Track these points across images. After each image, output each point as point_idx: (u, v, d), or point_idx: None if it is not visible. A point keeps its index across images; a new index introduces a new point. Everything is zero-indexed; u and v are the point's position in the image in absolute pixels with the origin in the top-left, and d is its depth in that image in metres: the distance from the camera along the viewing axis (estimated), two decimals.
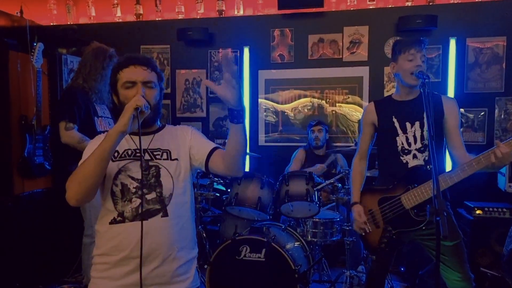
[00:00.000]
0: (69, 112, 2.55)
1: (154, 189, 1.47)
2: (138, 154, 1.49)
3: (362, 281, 2.96)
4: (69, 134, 2.53)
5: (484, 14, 3.57)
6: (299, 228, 2.98)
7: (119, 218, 1.44)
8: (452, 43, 3.61)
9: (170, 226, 1.46)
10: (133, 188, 1.46)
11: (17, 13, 3.52)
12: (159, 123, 1.64)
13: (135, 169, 1.47)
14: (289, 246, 2.70)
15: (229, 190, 2.97)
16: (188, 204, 1.56)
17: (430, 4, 3.66)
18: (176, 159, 1.54)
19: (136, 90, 1.47)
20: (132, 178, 1.47)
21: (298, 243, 2.84)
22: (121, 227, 1.43)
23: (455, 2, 3.64)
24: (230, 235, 2.77)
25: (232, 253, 2.56)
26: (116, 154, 1.50)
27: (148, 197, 1.45)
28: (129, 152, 1.51)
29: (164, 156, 1.53)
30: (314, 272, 3.07)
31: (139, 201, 1.43)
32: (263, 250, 2.53)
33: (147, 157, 1.51)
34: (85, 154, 1.49)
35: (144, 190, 1.45)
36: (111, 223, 1.44)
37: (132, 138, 1.56)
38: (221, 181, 3.26)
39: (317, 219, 2.89)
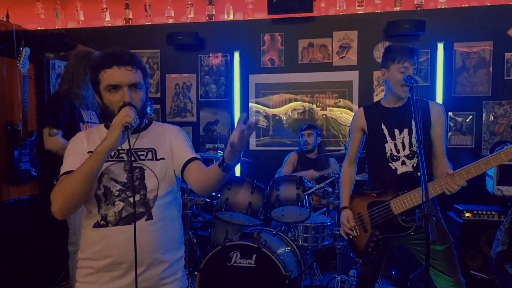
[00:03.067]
0: (53, 118, 2.51)
1: (138, 191, 1.41)
2: (121, 155, 1.43)
3: (353, 285, 2.95)
4: (53, 140, 2.49)
5: (471, 19, 3.62)
6: (290, 233, 2.97)
7: (102, 222, 1.38)
8: (440, 47, 3.65)
9: (155, 229, 1.40)
10: (116, 191, 1.40)
11: (3, 17, 3.48)
12: (144, 121, 1.54)
13: (118, 171, 1.41)
14: (280, 251, 2.69)
15: (219, 195, 2.95)
16: (173, 204, 1.50)
17: (418, 9, 3.70)
18: (162, 158, 1.47)
19: (121, 95, 1.37)
20: (115, 181, 1.40)
21: (289, 248, 2.83)
22: (105, 232, 1.38)
23: (443, 7, 3.69)
24: (221, 241, 2.75)
25: (222, 259, 2.53)
26: None
27: (132, 200, 1.38)
28: (112, 153, 1.41)
29: (149, 156, 1.46)
30: (305, 277, 3.05)
31: (122, 204, 1.39)
32: (254, 256, 2.51)
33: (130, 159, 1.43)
34: (67, 155, 1.43)
35: (127, 193, 1.39)
36: (94, 226, 1.39)
37: None
38: None
39: (308, 224, 2.89)
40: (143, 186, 1.42)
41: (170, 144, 1.52)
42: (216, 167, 1.35)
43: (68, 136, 2.53)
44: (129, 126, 1.28)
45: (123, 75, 1.37)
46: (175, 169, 1.51)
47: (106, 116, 1.46)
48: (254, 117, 3.97)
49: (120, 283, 1.37)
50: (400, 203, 1.97)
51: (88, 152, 1.40)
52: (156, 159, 1.46)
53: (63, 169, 1.39)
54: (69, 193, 1.29)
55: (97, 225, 1.39)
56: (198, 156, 1.54)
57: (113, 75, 1.37)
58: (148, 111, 3.31)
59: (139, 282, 1.35)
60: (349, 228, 2.09)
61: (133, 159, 1.42)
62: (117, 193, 1.39)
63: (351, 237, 2.13)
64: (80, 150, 1.43)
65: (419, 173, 1.96)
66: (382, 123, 2.10)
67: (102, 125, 1.53)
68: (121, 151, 1.44)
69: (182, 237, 1.56)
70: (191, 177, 1.47)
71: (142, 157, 1.45)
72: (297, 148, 3.73)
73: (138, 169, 1.43)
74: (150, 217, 1.40)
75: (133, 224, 1.33)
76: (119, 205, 1.39)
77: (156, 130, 1.55)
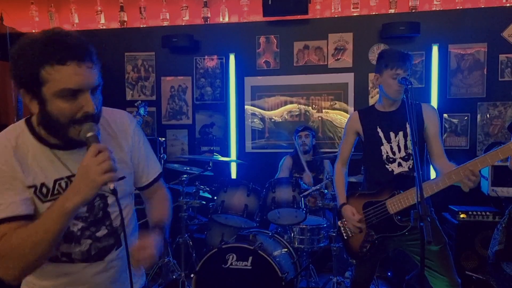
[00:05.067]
0: None
1: (104, 223, 1.19)
2: None
3: (349, 287, 2.95)
4: None
5: (465, 21, 3.64)
6: (286, 235, 2.96)
7: (64, 258, 1.15)
8: (435, 49, 3.67)
9: (124, 255, 1.14)
10: (78, 230, 1.14)
11: None
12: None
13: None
14: (276, 253, 2.68)
15: (215, 197, 2.94)
16: (132, 212, 1.31)
17: (413, 11, 3.72)
18: (123, 177, 1.19)
19: (82, 103, 1.00)
20: (75, 218, 1.11)
21: (285, 250, 2.82)
22: (70, 268, 1.16)
23: (437, 9, 3.71)
24: (217, 243, 2.75)
25: (218, 261, 2.52)
26: (45, 190, 1.08)
27: (99, 234, 1.18)
28: (62, 184, 1.10)
29: None
30: (301, 279, 3.05)
31: (89, 241, 1.16)
32: (250, 258, 2.50)
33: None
34: None
35: (91, 228, 1.16)
36: (53, 261, 1.14)
37: (59, 158, 1.09)
38: (207, 188, 3.23)
39: (304, 226, 2.88)
40: (107, 215, 1.19)
41: (129, 152, 1.25)
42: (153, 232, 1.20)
43: None
44: (115, 189, 1.00)
45: (85, 76, 0.99)
46: (134, 182, 1.31)
47: (47, 126, 1.04)
48: (249, 119, 3.97)
49: None
50: (396, 203, 1.98)
51: (29, 187, 1.05)
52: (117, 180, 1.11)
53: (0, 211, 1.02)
54: (29, 261, 1.00)
55: (56, 260, 1.14)
56: (160, 171, 1.37)
57: (71, 75, 0.98)
58: (142, 112, 3.32)
59: None
60: (357, 220, 2.08)
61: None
62: (79, 232, 1.15)
63: (345, 237, 2.13)
64: (14, 183, 1.04)
65: (415, 173, 1.98)
66: (378, 127, 2.13)
67: (26, 130, 1.09)
68: (72, 179, 1.10)
69: (137, 233, 1.34)
70: (149, 199, 1.38)
71: None
72: (291, 150, 3.73)
73: (99, 198, 1.16)
74: (119, 245, 1.23)
75: (103, 259, 1.19)
76: (85, 243, 1.16)
77: (107, 133, 1.20)
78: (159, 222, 1.28)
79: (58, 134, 1.05)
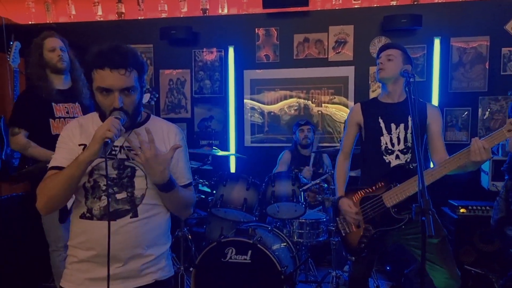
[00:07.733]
0: (16, 116, 2.37)
1: (126, 188, 1.41)
2: (114, 153, 1.42)
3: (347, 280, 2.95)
4: (14, 140, 2.35)
5: (468, 14, 3.61)
6: (285, 229, 2.95)
7: (88, 214, 1.40)
8: (437, 42, 3.64)
9: (139, 227, 1.40)
10: (103, 185, 1.40)
11: None
12: (140, 117, 1.49)
13: (108, 168, 1.38)
14: (275, 247, 2.67)
15: (214, 191, 2.92)
16: (161, 203, 1.48)
17: (415, 3, 3.68)
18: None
19: (112, 100, 1.33)
20: (105, 177, 1.39)
21: (285, 244, 2.82)
22: (90, 224, 1.39)
23: (440, 1, 3.67)
24: (216, 237, 2.74)
25: (217, 255, 2.52)
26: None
27: (118, 196, 1.40)
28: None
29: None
30: (300, 273, 3.05)
31: (109, 199, 1.40)
32: (249, 252, 2.49)
33: (123, 156, 1.42)
34: (58, 146, 1.44)
35: (114, 188, 1.40)
36: (81, 217, 1.41)
37: None
38: (206, 182, 3.21)
39: (303, 220, 2.88)
40: (131, 184, 1.41)
41: (167, 150, 1.46)
42: (162, 196, 1.44)
43: (36, 134, 2.39)
44: (109, 141, 1.25)
45: (115, 80, 1.32)
46: None
47: (97, 110, 1.46)
48: (249, 113, 3.95)
49: (101, 273, 1.37)
50: (393, 196, 1.97)
51: (80, 145, 1.40)
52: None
53: (52, 161, 1.42)
54: (51, 195, 1.34)
55: (83, 216, 1.40)
56: (190, 180, 1.56)
57: (105, 78, 1.32)
58: (146, 104, 3.25)
59: (119, 273, 1.40)
60: (354, 213, 2.07)
61: (126, 157, 1.42)
62: (104, 187, 1.39)
63: (343, 233, 2.12)
64: (70, 144, 1.42)
65: (411, 165, 1.97)
66: (379, 117, 2.13)
67: (97, 114, 1.48)
68: (113, 148, 1.42)
69: (168, 232, 1.55)
70: None
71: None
72: (290, 145, 3.70)
73: (130, 168, 1.42)
74: (135, 215, 1.40)
75: (116, 220, 1.37)
76: (105, 200, 1.39)
77: (154, 128, 1.47)
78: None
79: (104, 118, 1.39)
